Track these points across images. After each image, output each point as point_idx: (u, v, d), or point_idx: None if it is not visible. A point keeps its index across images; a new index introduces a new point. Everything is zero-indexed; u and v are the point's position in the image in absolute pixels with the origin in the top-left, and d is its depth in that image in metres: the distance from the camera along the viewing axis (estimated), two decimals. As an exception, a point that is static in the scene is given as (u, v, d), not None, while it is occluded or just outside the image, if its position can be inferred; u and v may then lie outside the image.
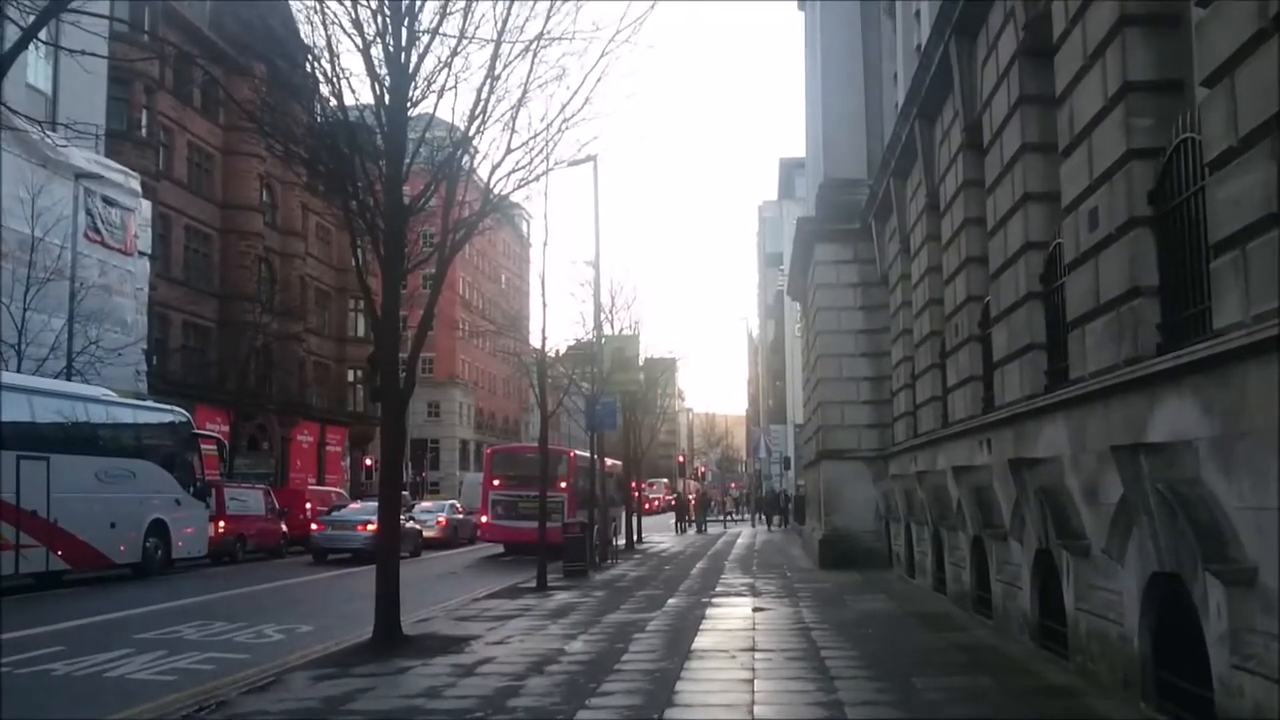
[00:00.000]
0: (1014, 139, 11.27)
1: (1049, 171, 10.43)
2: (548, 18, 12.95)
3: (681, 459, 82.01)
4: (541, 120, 13.65)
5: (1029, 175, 10.95)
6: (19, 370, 24.43)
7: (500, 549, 31.50)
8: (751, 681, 9.74)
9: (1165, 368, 7.06)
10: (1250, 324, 5.84)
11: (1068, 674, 9.49)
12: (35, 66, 30.36)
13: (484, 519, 31.63)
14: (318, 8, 12.24)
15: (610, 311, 32.90)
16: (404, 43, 12.31)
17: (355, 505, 32.47)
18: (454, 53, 12.66)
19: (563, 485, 29.92)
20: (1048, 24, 9.88)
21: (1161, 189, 7.76)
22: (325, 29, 12.30)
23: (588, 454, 28.95)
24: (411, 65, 12.43)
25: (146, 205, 34.34)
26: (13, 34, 9.30)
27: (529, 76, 13.22)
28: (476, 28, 12.69)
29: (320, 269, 52.07)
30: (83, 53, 10.48)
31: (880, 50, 23.79)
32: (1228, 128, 6.13)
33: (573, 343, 34.52)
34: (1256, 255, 5.83)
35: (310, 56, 13.01)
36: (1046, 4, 9.96)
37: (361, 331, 51.77)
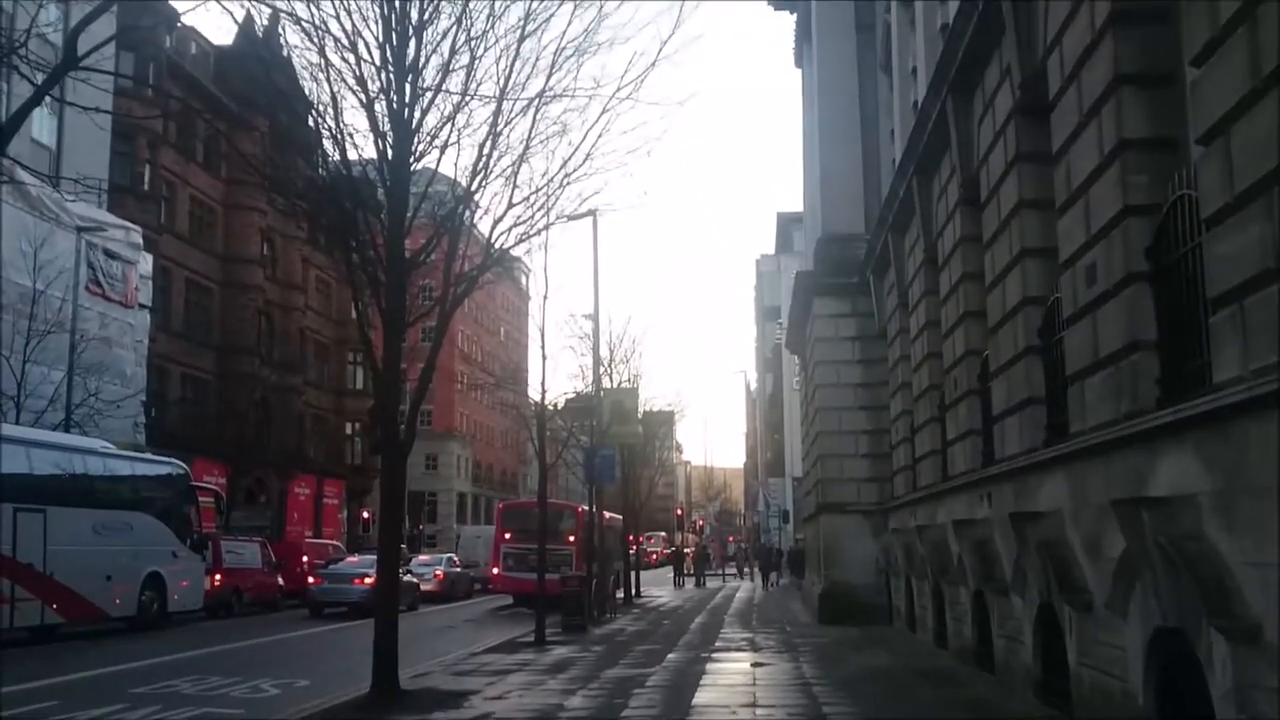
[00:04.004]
0: (1011, 195, 11.38)
1: (1046, 227, 10.51)
2: (549, 75, 13.15)
3: (680, 512, 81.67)
4: (543, 176, 13.82)
5: (1026, 231, 11.04)
6: (18, 422, 24.36)
7: (498, 604, 32.02)
8: (753, 738, 9.65)
9: (1165, 422, 7.08)
10: (1250, 379, 5.87)
11: (1072, 731, 9.42)
12: (40, 121, 30.61)
13: (495, 571, 32.58)
14: (322, 64, 12.43)
15: (609, 364, 32.98)
16: (407, 99, 12.48)
17: (352, 558, 32.28)
18: (457, 109, 12.86)
19: (571, 539, 30.06)
20: (1043, 82, 10.01)
21: (1159, 245, 7.83)
22: (329, 85, 12.48)
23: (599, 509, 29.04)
24: (415, 121, 12.58)
25: (147, 258, 34.48)
26: (20, 90, 9.41)
27: (531, 132, 13.41)
28: (479, 85, 12.90)
29: (319, 322, 52.16)
30: (95, 110, 10.60)
31: (877, 107, 24.07)
32: (1224, 185, 6.20)
33: (571, 395, 34.58)
34: (1255, 310, 5.88)
35: (314, 112, 13.17)
36: (1042, 62, 10.10)
37: (360, 384, 51.79)
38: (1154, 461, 7.37)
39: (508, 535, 31.83)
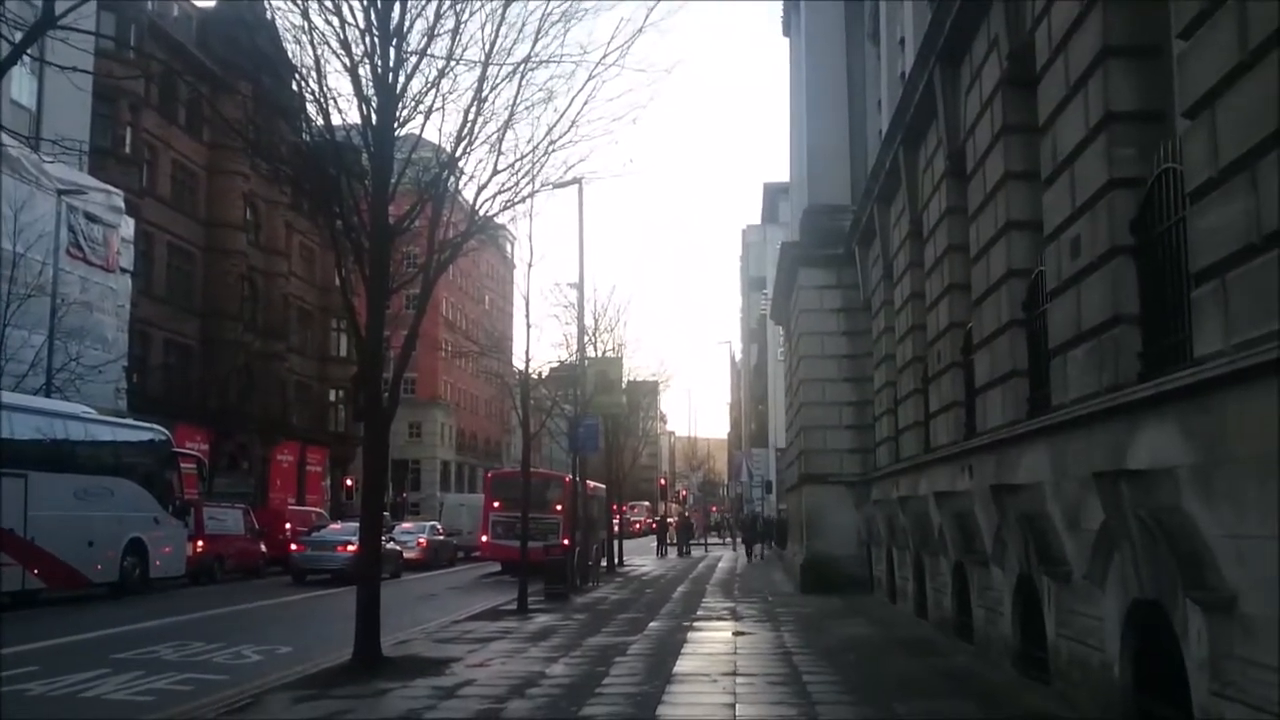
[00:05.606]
0: (997, 167, 11.37)
1: (1032, 199, 10.51)
2: (535, 41, 13.05)
3: (663, 482, 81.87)
4: (528, 142, 13.74)
5: (1012, 203, 11.04)
6: (-2, 387, 24.23)
7: (482, 571, 32.32)
8: (733, 706, 9.71)
9: (1146, 395, 7.11)
10: (1231, 352, 5.89)
11: (1049, 700, 9.49)
12: (20, 82, 30.25)
13: (484, 539, 32.90)
14: (306, 27, 12.31)
15: (594, 334, 32.96)
16: (392, 63, 12.36)
17: (335, 526, 32.31)
18: (441, 74, 12.75)
19: (559, 508, 30.22)
20: (1031, 54, 9.98)
21: (1143, 218, 7.83)
22: (313, 49, 12.36)
23: (582, 479, 29.17)
24: (399, 86, 12.47)
25: (129, 222, 34.18)
26: None
27: (516, 99, 13.33)
28: (464, 50, 12.79)
29: (303, 288, 51.87)
30: (72, 69, 10.47)
31: (864, 77, 23.98)
32: (1209, 158, 6.20)
33: (556, 364, 34.57)
34: (1237, 285, 5.89)
35: (298, 76, 13.04)
36: (1030, 34, 10.07)
37: (343, 351, 51.64)
38: (1134, 434, 7.41)
39: (496, 504, 32.04)
